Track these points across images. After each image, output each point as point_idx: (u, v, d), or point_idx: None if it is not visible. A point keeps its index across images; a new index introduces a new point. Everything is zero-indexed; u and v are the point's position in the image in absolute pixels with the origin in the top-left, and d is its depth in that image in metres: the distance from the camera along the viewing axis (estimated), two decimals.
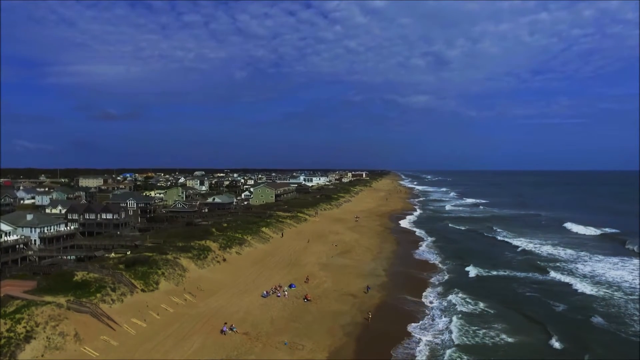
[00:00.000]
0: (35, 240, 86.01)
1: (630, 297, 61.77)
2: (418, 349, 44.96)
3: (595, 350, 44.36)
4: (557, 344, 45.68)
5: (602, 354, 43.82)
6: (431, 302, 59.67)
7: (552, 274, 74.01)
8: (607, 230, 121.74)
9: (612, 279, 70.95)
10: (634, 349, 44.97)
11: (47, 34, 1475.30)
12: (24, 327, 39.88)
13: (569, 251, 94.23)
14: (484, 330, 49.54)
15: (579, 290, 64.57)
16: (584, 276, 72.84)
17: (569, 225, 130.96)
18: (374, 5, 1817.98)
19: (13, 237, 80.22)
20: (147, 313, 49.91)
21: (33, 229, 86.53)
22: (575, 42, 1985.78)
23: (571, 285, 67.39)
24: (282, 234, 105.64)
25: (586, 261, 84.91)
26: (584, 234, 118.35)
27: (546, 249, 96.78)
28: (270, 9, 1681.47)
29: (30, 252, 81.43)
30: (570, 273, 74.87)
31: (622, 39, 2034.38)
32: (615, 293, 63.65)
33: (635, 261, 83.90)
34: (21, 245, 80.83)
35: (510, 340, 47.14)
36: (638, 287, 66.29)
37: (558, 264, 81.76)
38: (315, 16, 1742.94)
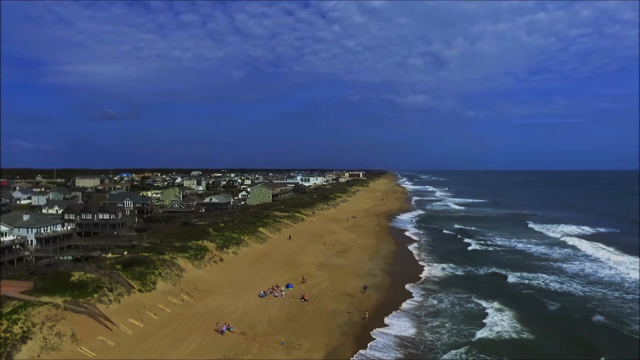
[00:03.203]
0: (31, 241, 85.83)
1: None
2: (411, 349, 45.17)
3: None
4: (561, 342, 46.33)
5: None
6: (426, 301, 60.01)
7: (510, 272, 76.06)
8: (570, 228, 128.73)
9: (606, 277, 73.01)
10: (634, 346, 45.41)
11: (44, 34, 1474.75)
12: (21, 327, 39.83)
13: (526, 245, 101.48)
14: (481, 329, 49.76)
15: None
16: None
17: (530, 224, 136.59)
18: (372, 5, 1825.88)
19: (9, 238, 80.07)
20: (144, 313, 49.91)
21: (29, 230, 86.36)
22: (573, 42, 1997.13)
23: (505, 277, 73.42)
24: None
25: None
26: (543, 232, 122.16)
27: (537, 249, 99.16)
28: (268, 9, 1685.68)
29: (26, 253, 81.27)
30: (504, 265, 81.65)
31: (620, 39, 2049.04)
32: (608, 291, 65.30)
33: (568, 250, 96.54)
34: (17, 246, 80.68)
35: (505, 337, 47.43)
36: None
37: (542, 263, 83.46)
38: (313, 16, 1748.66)
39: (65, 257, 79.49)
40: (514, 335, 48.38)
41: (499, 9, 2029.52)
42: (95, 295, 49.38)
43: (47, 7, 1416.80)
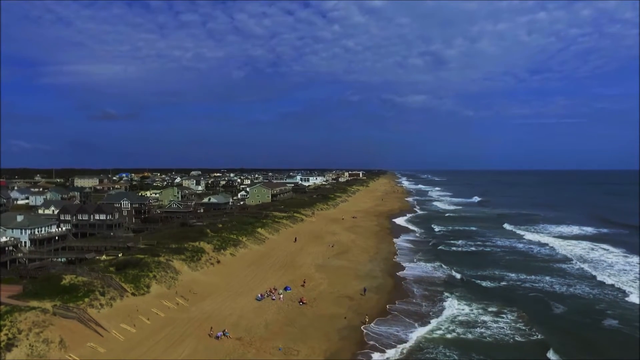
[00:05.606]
0: (25, 242, 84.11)
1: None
2: (409, 344, 43.99)
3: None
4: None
5: None
6: (424, 302, 58.85)
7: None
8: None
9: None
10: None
11: (44, 34, 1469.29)
12: (6, 334, 38.23)
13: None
14: (480, 329, 48.76)
15: None
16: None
17: (507, 225, 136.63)
18: (373, 5, 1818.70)
19: (2, 239, 78.32)
20: (137, 318, 48.33)
21: (23, 231, 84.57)
22: (573, 41, 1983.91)
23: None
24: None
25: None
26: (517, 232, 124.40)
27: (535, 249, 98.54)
28: (268, 8, 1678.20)
29: (19, 255, 79.55)
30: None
31: (620, 39, 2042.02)
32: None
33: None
34: (10, 248, 78.94)
35: (504, 339, 46.24)
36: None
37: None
38: (313, 15, 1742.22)
39: (59, 259, 77.92)
40: (519, 338, 47.06)
41: (499, 8, 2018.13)
42: (86, 300, 47.81)
43: (46, 6, 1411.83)
